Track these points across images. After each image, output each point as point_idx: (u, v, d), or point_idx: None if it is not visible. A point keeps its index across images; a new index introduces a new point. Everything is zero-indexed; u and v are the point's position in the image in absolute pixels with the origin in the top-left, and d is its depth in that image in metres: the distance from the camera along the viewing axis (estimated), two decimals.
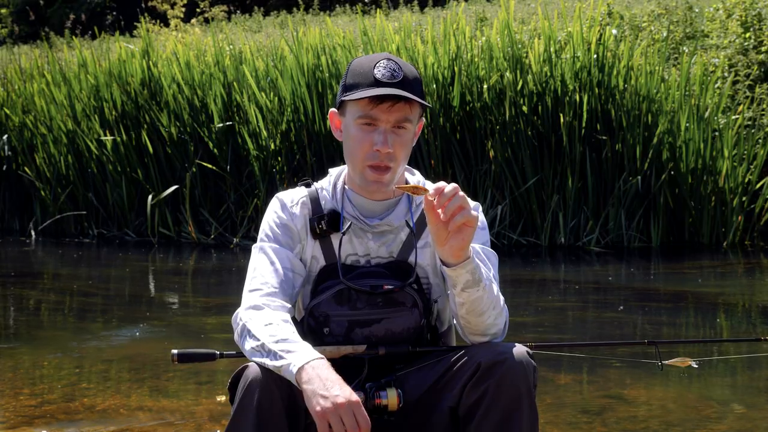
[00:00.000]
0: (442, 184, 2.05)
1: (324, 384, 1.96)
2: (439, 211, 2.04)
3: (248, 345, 2.13)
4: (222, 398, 3.95)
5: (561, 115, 9.05)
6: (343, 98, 2.24)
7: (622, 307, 6.15)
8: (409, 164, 2.38)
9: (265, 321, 2.13)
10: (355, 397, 1.96)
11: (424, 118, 2.37)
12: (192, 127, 10.28)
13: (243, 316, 2.18)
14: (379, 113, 2.20)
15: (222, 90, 10.20)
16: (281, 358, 2.03)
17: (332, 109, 2.34)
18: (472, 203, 2.27)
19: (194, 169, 10.21)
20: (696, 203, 9.12)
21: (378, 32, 9.96)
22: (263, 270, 2.26)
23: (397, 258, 2.32)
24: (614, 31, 9.61)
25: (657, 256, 8.65)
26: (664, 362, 2.43)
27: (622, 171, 9.07)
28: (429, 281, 2.34)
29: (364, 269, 2.30)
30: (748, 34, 10.56)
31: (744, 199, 9.13)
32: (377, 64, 2.21)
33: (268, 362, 2.06)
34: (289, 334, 2.09)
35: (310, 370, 1.98)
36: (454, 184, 2.05)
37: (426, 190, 2.06)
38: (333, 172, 2.40)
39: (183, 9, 15.40)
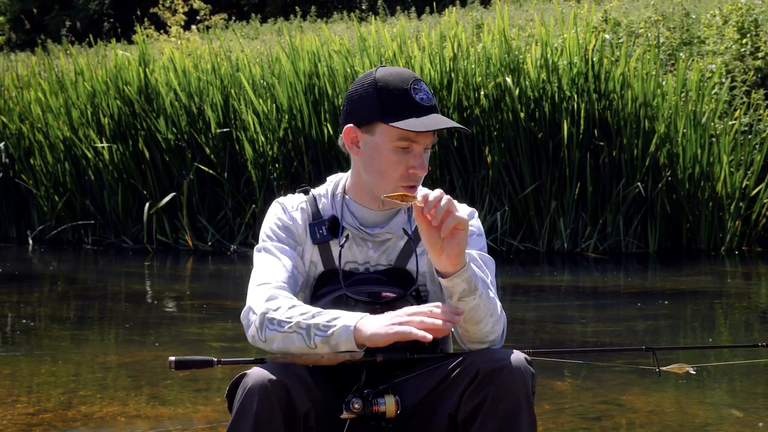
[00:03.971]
0: (427, 190, 2.07)
1: (386, 315, 2.05)
2: (429, 217, 2.06)
3: (275, 334, 2.11)
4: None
5: (559, 121, 9.06)
6: (391, 124, 2.18)
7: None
8: None
9: (289, 304, 2.13)
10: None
11: None
12: (189, 134, 10.27)
13: (259, 308, 2.15)
14: (420, 137, 2.22)
15: (219, 96, 10.19)
16: (327, 326, 2.05)
17: (350, 125, 2.27)
18: (468, 209, 2.30)
19: (192, 176, 10.21)
20: (693, 209, 9.13)
21: (375, 39, 9.96)
22: (269, 266, 2.25)
23: (395, 265, 2.32)
24: (607, 36, 9.62)
25: (654, 262, 8.65)
26: (662, 368, 2.43)
27: (620, 177, 9.08)
28: (427, 288, 2.35)
29: (362, 275, 2.31)
30: (744, 40, 10.58)
31: (741, 204, 9.14)
32: (413, 87, 2.21)
33: (308, 339, 2.07)
34: (320, 310, 2.11)
35: (366, 321, 2.04)
36: (439, 190, 2.07)
37: (414, 197, 2.08)
38: (331, 180, 2.40)
39: (185, 17, 15.42)
